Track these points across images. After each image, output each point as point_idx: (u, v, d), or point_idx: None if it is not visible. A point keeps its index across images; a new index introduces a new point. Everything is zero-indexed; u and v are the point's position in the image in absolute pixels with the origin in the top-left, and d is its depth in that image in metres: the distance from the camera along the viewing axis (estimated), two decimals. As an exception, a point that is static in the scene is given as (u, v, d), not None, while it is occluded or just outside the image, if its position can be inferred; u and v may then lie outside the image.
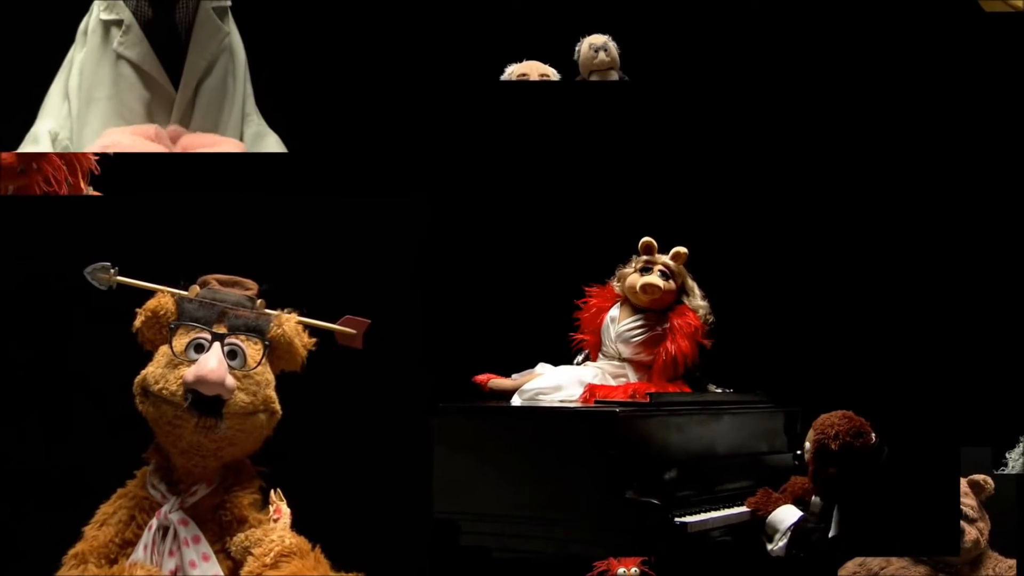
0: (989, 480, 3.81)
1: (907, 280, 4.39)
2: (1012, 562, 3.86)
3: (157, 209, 3.60)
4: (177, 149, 3.44)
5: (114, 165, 3.45)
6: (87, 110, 3.49)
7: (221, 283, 3.22)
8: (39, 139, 3.54)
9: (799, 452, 3.96)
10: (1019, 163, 4.26)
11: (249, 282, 3.24)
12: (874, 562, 3.80)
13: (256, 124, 3.65)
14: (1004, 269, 4.30)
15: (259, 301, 3.19)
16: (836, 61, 4.35)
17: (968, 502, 3.81)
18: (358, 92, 3.94)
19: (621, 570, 3.59)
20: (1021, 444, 4.15)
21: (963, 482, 3.84)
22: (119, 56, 3.50)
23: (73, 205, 3.56)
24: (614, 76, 4.18)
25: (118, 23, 3.50)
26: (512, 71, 4.22)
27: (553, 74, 4.19)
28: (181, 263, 3.24)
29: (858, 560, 3.82)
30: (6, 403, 3.65)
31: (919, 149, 4.33)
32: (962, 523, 3.81)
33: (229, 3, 3.60)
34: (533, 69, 4.20)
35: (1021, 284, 4.25)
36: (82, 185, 3.77)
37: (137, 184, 3.52)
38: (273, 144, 3.63)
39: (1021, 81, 4.19)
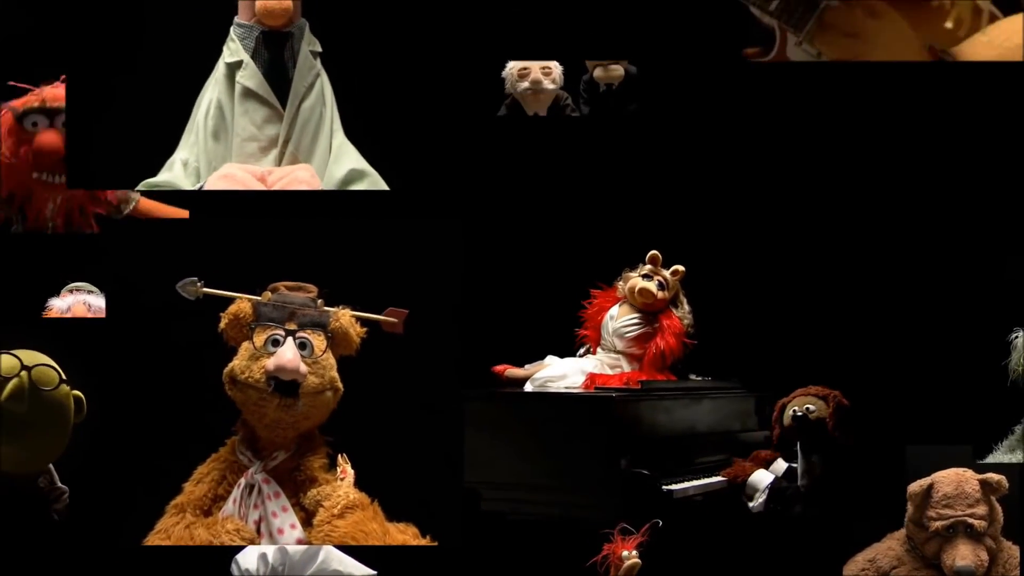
0: (1004, 481, 3.59)
1: (868, 280, 4.47)
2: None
3: (244, 231, 3.84)
4: (268, 185, 3.78)
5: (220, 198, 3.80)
6: (221, 130, 3.84)
7: (288, 289, 3.50)
8: (173, 165, 3.91)
9: (798, 413, 3.99)
10: (986, 167, 4.27)
11: (310, 286, 3.52)
12: (884, 560, 3.70)
13: (340, 137, 3.93)
14: (978, 270, 4.30)
15: (319, 301, 3.48)
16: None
17: (980, 511, 3.57)
18: (406, 136, 4.10)
19: (625, 552, 3.63)
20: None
21: (975, 485, 3.60)
22: (241, 86, 3.84)
23: (171, 228, 3.91)
24: (618, 70, 4.26)
25: (239, 63, 3.85)
26: (512, 66, 4.27)
27: (555, 67, 4.24)
28: (260, 274, 3.56)
29: (868, 556, 3.73)
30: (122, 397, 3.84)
31: (888, 152, 4.35)
32: (970, 544, 3.54)
33: (320, 49, 3.94)
34: (534, 63, 4.25)
35: (991, 285, 4.25)
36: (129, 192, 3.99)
37: (235, 210, 3.84)
38: (352, 153, 3.94)
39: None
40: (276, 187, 3.71)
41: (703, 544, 3.96)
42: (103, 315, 3.90)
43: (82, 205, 3.95)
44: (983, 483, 3.59)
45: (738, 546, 4.01)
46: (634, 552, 3.61)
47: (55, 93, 3.93)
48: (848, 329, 4.48)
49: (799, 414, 4.02)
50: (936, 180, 4.35)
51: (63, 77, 3.95)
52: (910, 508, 3.63)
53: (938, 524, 3.57)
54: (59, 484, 3.57)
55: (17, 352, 3.41)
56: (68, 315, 3.90)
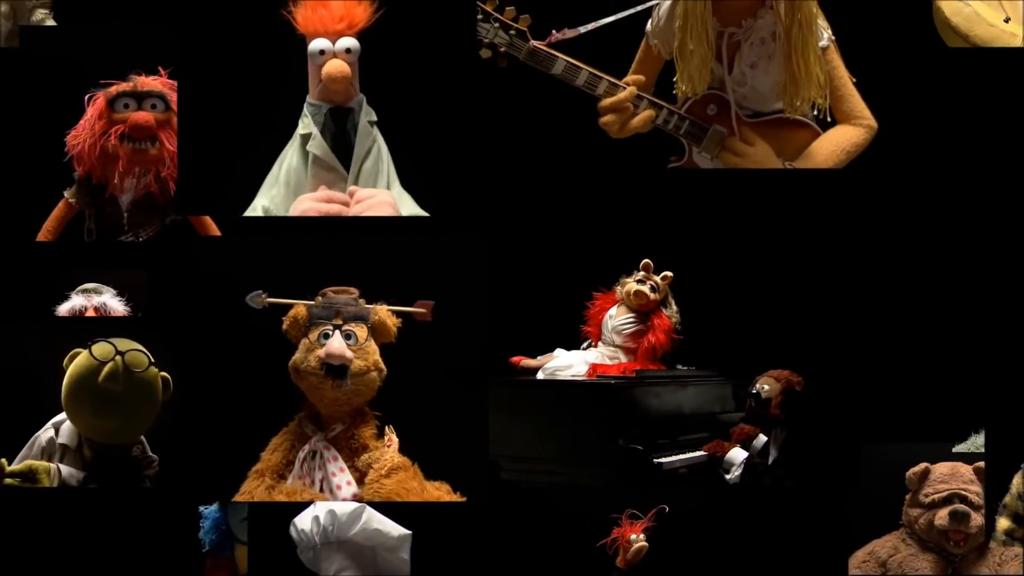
0: None
1: (837, 283, 4.50)
2: (1018, 550, 3.74)
3: (307, 246, 4.09)
4: (353, 201, 4.00)
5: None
6: (294, 188, 4.08)
7: (335, 292, 3.84)
8: (255, 210, 4.08)
9: (754, 392, 4.21)
10: (960, 166, 4.37)
11: (352, 289, 3.85)
12: (882, 551, 3.80)
13: (397, 188, 4.13)
14: (959, 269, 4.36)
15: (361, 300, 3.81)
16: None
17: (974, 489, 3.68)
18: (442, 171, 4.29)
19: (633, 536, 3.79)
20: None
21: (969, 470, 3.72)
22: (311, 154, 4.04)
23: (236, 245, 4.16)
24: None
25: (309, 135, 4.03)
26: None
27: None
28: (325, 281, 3.89)
29: (868, 549, 3.82)
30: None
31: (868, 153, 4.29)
32: (969, 510, 3.65)
33: (375, 118, 4.10)
34: None
35: (965, 284, 4.32)
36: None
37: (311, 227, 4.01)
38: (408, 201, 4.13)
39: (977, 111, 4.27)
40: (362, 203, 4.03)
41: (687, 508, 4.12)
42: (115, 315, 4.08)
43: (162, 187, 4.11)
44: (976, 471, 3.75)
45: (716, 510, 4.22)
46: (641, 536, 3.79)
47: (146, 80, 4.09)
48: (819, 327, 4.58)
49: (753, 392, 4.25)
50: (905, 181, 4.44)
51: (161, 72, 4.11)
52: (908, 495, 3.80)
53: (935, 496, 3.71)
54: (150, 453, 3.88)
55: (112, 339, 3.72)
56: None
